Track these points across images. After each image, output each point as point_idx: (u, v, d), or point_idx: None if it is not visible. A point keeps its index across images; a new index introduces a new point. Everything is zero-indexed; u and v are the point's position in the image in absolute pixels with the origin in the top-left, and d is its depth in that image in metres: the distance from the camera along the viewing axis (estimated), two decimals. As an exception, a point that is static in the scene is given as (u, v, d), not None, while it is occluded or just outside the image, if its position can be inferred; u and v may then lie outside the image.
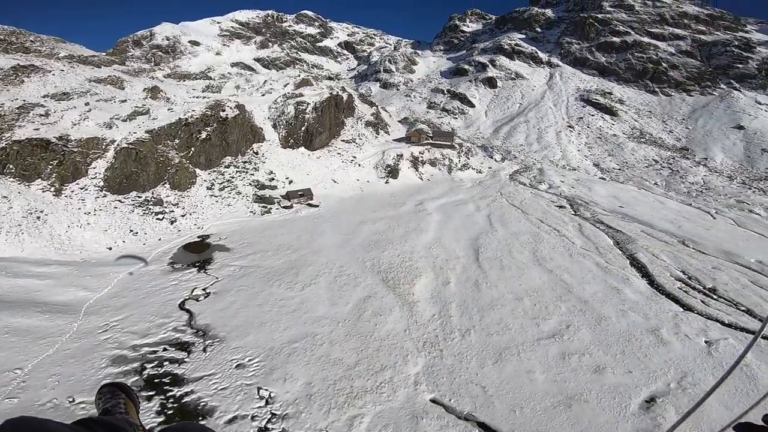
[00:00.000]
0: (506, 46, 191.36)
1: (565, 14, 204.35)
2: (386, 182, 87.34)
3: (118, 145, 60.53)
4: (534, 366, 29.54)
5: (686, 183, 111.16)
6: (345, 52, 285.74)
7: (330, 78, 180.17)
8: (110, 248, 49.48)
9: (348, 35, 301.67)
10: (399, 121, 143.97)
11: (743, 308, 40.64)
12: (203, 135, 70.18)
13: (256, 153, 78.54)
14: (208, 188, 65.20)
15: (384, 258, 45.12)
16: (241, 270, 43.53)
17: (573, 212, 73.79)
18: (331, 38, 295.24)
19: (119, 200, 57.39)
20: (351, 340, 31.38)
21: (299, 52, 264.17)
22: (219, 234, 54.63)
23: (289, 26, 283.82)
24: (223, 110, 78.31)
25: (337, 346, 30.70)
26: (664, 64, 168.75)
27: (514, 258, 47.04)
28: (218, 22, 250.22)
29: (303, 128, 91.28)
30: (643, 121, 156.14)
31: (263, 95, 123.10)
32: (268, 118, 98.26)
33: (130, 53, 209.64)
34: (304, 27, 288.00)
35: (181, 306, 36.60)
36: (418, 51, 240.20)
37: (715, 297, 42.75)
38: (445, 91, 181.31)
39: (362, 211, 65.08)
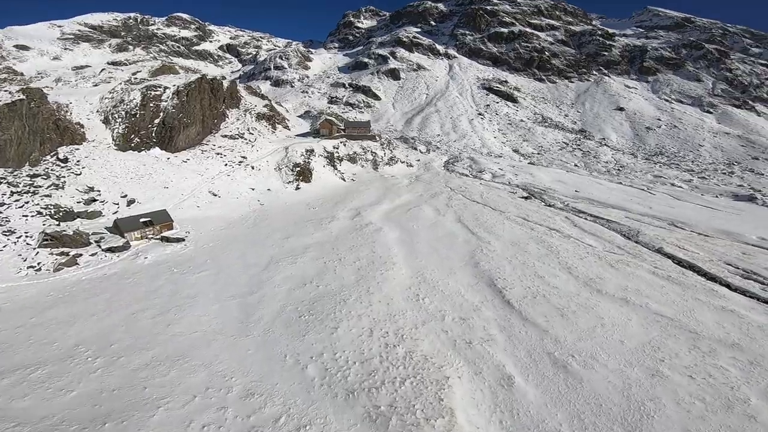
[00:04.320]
0: (405, 39, 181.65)
1: (456, 7, 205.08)
2: (296, 188, 61.84)
3: None
4: None
5: (602, 163, 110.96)
6: (227, 55, 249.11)
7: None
8: None
9: (231, 38, 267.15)
10: (299, 116, 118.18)
11: None
12: (-73, 131, 35.57)
13: (65, 161, 45.36)
14: (-71, 233, 31.56)
15: (344, 347, 19.83)
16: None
17: (544, 203, 59.71)
18: (211, 41, 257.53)
19: None
20: None
21: (171, 57, 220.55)
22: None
23: (158, 29, 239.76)
24: (-9, 93, 43.60)
25: None
26: (546, 53, 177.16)
27: (558, 288, 27.68)
28: (59, 26, 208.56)
29: (157, 121, 59.77)
30: (540, 107, 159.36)
31: (96, 85, 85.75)
32: (98, 111, 63.70)
33: None
34: (177, 30, 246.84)
35: None
36: (311, 49, 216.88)
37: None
38: (347, 85, 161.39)
39: (268, 239, 38.24)
